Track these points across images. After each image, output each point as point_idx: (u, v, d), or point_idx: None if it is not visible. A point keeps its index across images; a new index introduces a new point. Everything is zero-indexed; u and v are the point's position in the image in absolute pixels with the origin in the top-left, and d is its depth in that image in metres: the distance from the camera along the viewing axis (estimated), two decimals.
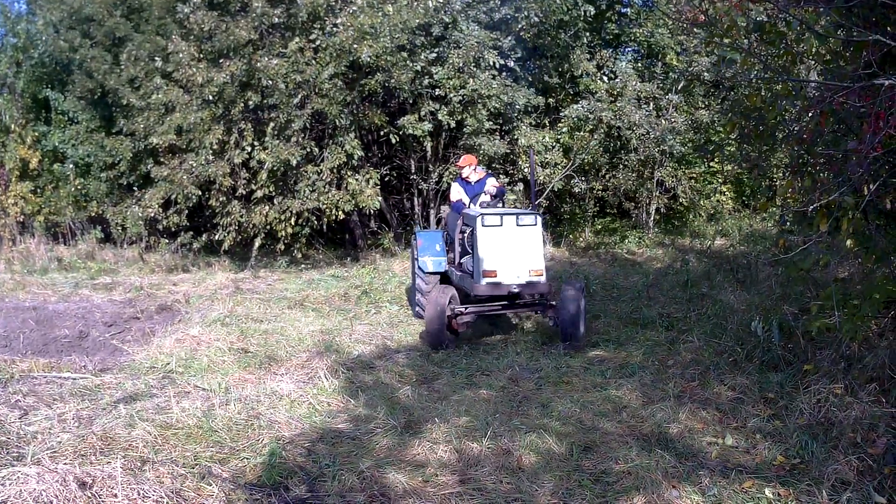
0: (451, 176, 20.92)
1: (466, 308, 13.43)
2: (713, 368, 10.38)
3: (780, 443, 7.84)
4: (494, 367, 11.55)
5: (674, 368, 10.81)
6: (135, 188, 22.66)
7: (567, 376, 10.88)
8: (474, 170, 15.63)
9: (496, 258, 12.94)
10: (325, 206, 19.74)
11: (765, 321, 10.71)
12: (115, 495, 6.27)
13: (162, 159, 20.52)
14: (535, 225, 13.12)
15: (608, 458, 7.69)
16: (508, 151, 21.87)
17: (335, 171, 20.07)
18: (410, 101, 20.89)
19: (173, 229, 20.99)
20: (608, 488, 7.04)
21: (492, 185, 15.39)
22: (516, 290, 12.87)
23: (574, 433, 8.49)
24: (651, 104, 23.39)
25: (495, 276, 12.87)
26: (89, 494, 6.18)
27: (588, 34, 24.89)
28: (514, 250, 13.00)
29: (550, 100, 24.87)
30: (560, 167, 22.70)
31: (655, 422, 8.72)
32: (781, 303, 11.79)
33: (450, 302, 13.17)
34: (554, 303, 13.20)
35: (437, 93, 20.52)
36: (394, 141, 21.13)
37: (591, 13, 22.99)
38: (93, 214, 24.63)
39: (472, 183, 15.53)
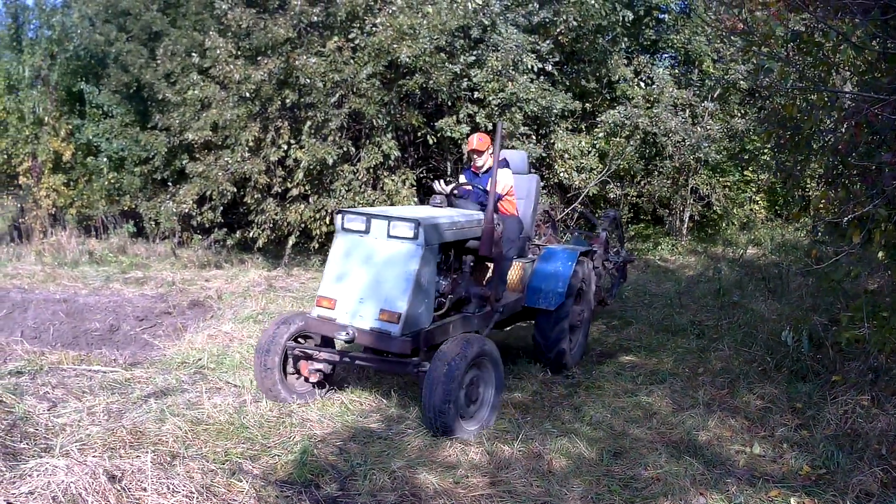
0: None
1: (321, 350, 9.57)
2: (743, 377, 10.45)
3: (807, 453, 7.92)
4: (527, 370, 11.42)
5: (704, 376, 10.85)
6: (169, 183, 22.75)
7: (599, 381, 10.91)
8: (491, 154, 11.42)
9: (342, 282, 9.28)
10: (360, 205, 19.62)
11: (795, 331, 10.74)
12: (145, 489, 6.33)
13: (197, 155, 20.56)
14: (413, 240, 9.01)
15: (637, 464, 7.77)
16: (545, 156, 21.82)
17: (371, 171, 20.08)
18: (448, 103, 20.89)
19: (207, 226, 21.05)
20: (637, 494, 7.10)
21: (499, 179, 10.89)
22: (344, 337, 8.72)
23: (604, 438, 8.57)
24: (687, 111, 23.36)
25: (332, 308, 9.18)
26: (119, 488, 6.23)
27: (626, 40, 24.82)
28: (371, 274, 9.13)
29: (587, 105, 24.83)
30: (596, 172, 22.65)
31: (685, 429, 8.80)
32: (811, 313, 11.84)
33: (304, 336, 9.86)
34: (425, 369, 8.62)
35: (475, 95, 20.51)
36: (431, 142, 21.15)
37: (630, 19, 22.95)
38: (125, 209, 24.71)
39: (480, 174, 11.83)
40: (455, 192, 11.54)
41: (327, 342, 9.76)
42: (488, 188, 10.46)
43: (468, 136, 19.48)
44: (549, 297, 11.17)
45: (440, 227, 9.32)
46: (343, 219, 9.49)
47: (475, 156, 11.70)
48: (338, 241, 9.53)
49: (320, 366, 9.49)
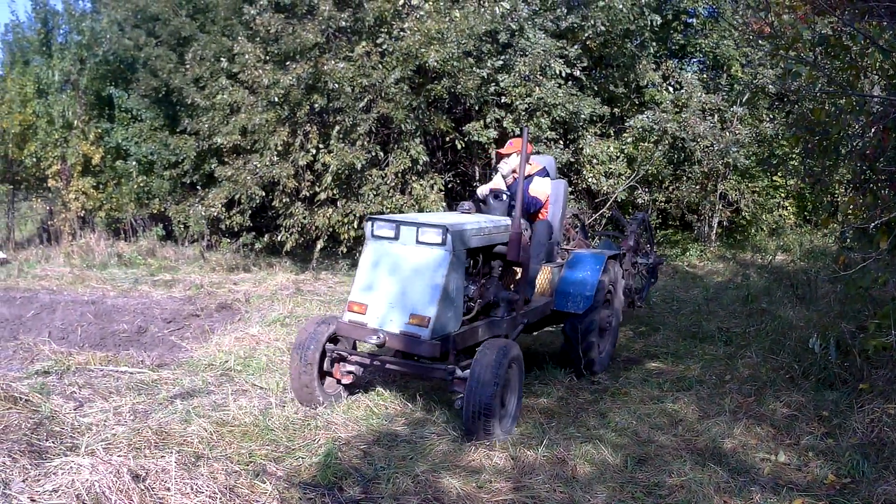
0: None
1: (353, 353, 9.73)
2: (770, 385, 10.40)
3: (833, 461, 7.87)
4: (553, 376, 11.36)
5: (731, 383, 10.79)
6: (198, 187, 22.89)
7: (625, 388, 10.85)
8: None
9: (372, 287, 9.30)
10: (388, 210, 19.69)
11: (822, 338, 10.67)
12: (168, 489, 6.35)
13: (226, 159, 20.66)
14: (440, 246, 9.02)
15: (662, 471, 7.72)
16: (573, 161, 21.79)
17: (400, 175, 20.09)
18: (476, 108, 20.87)
19: (235, 229, 21.12)
20: (660, 501, 7.08)
21: (535, 188, 11.52)
22: (375, 341, 8.77)
23: (629, 445, 8.52)
24: (715, 116, 23.31)
25: (363, 313, 9.19)
26: (142, 487, 6.25)
27: (654, 44, 24.88)
28: (401, 279, 9.17)
29: (615, 110, 24.79)
30: (624, 178, 22.61)
31: (710, 436, 8.75)
32: (839, 320, 11.75)
33: (336, 338, 9.77)
34: (461, 375, 8.75)
35: (502, 100, 20.53)
36: (459, 147, 21.12)
37: (658, 23, 22.91)
38: (154, 212, 24.91)
39: (516, 180, 10.95)
40: (491, 198, 11.37)
41: (357, 346, 10.00)
42: (524, 194, 10.69)
43: (496, 140, 19.61)
44: (577, 300, 11.25)
45: (468, 233, 9.35)
46: (373, 225, 9.47)
47: (505, 160, 11.70)
48: (368, 247, 9.53)
49: (352, 368, 9.60)
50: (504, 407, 8.83)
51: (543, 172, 11.83)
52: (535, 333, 13.42)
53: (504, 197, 11.33)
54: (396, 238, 9.27)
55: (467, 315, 9.61)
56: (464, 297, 9.50)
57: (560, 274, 11.80)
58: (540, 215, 11.75)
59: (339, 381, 9.72)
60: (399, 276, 9.13)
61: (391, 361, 9.41)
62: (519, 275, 10.83)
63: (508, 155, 11.66)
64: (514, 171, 11.59)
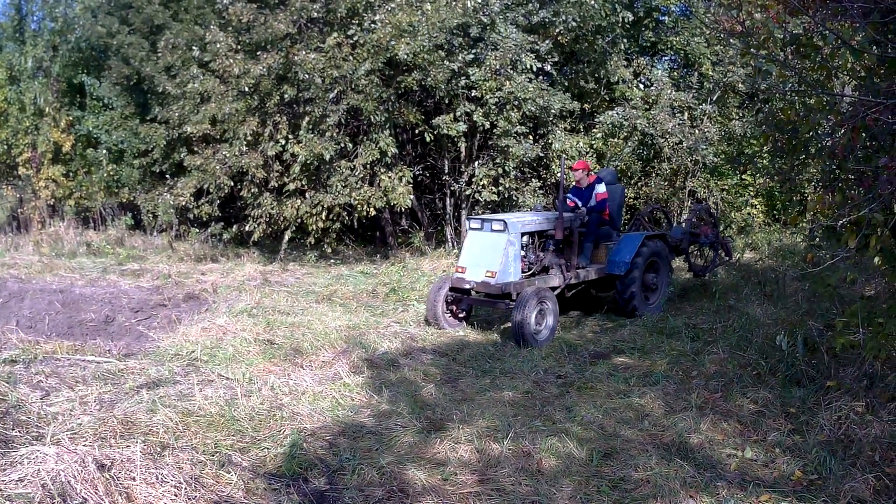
0: (487, 178, 21.04)
1: (463, 296, 14.83)
2: (737, 381, 10.35)
3: (799, 458, 7.82)
4: (519, 369, 11.46)
5: (697, 379, 10.75)
6: (167, 176, 22.86)
7: (591, 382, 10.81)
8: (587, 174, 16.32)
9: (469, 257, 14.58)
10: (356, 202, 19.73)
11: (790, 336, 10.70)
12: (134, 478, 6.33)
13: (195, 148, 20.63)
14: (502, 231, 14.17)
15: (628, 465, 7.70)
16: (542, 155, 21.81)
17: (368, 167, 20.08)
18: (446, 101, 20.86)
19: (204, 219, 21.08)
20: (626, 495, 7.05)
21: (596, 194, 15.91)
22: (468, 287, 14.32)
23: (595, 439, 8.50)
24: (685, 113, 23.37)
25: (463, 273, 14.43)
26: (107, 476, 6.23)
27: (625, 41, 24.84)
28: (482, 252, 14.37)
29: (586, 105, 24.87)
30: (593, 173, 22.60)
31: (677, 431, 8.71)
32: (807, 318, 11.76)
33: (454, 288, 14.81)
34: (512, 306, 13.60)
35: (472, 94, 20.51)
36: (428, 140, 21.07)
37: (629, 20, 23.03)
38: (124, 201, 24.90)
39: (583, 188, 16.20)
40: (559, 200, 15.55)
41: (463, 293, 14.72)
42: (589, 200, 15.80)
43: (465, 133, 19.80)
44: (619, 265, 15.53)
45: (520, 223, 14.44)
46: (469, 222, 14.93)
47: (575, 174, 16.35)
48: (468, 235, 14.82)
49: (465, 306, 14.84)
50: (540, 324, 13.58)
51: (598, 180, 16.14)
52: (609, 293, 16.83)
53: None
54: (481, 228, 14.54)
55: (528, 272, 14.68)
56: (524, 262, 14.61)
57: (613, 249, 16.03)
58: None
59: (456, 316, 14.83)
60: (482, 250, 14.30)
61: (480, 301, 14.72)
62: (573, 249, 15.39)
63: (576, 170, 16.26)
64: (577, 182, 16.33)
